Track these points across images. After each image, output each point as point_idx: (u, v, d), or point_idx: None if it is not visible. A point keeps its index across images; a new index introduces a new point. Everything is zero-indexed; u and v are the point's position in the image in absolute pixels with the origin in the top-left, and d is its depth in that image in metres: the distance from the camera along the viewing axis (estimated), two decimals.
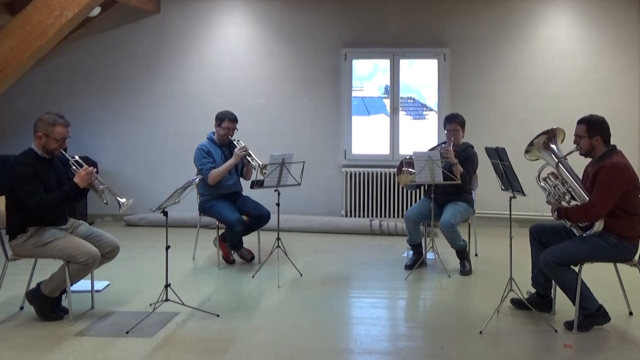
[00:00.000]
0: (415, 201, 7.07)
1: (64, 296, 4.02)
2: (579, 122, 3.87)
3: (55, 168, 3.98)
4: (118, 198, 3.95)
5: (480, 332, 3.75)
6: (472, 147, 5.36)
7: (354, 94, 7.41)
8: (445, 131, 5.33)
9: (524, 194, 3.92)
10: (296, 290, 4.69)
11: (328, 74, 7.36)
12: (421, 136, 7.46)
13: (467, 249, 5.22)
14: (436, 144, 5.89)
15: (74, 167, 3.95)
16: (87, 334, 3.73)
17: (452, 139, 5.24)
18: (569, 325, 3.80)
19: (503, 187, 4.14)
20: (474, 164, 5.31)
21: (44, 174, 3.83)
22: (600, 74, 7.12)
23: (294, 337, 3.71)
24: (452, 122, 5.28)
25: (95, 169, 3.95)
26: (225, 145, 5.42)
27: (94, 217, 7.37)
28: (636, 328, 3.88)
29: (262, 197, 5.56)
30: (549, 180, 3.95)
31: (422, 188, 6.20)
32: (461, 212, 5.15)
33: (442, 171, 4.87)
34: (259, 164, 5.19)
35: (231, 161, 5.26)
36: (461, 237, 5.12)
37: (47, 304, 3.94)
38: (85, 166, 3.92)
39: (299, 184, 5.06)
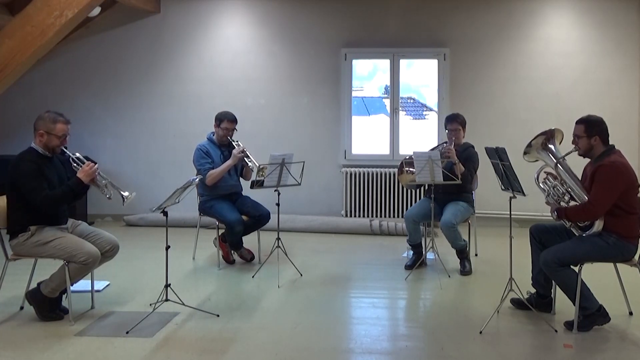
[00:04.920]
0: (416, 201, 7.07)
1: (64, 296, 4.02)
2: (577, 122, 3.88)
3: (56, 166, 4.02)
4: (121, 192, 3.97)
5: (480, 332, 3.75)
6: (473, 147, 5.36)
7: (354, 94, 7.41)
8: (447, 131, 5.34)
9: (524, 194, 3.92)
10: (296, 290, 4.69)
11: (328, 74, 7.37)
12: (421, 136, 7.46)
13: (467, 249, 5.22)
14: (436, 144, 5.89)
15: (74, 164, 3.97)
16: (87, 334, 3.73)
17: (453, 138, 5.25)
18: (569, 325, 3.80)
19: (503, 187, 4.14)
20: (475, 163, 5.31)
21: (46, 172, 3.86)
22: (600, 74, 7.12)
23: (294, 337, 3.71)
24: (453, 122, 5.29)
25: (96, 165, 3.97)
26: (225, 146, 5.42)
27: (94, 217, 7.37)
28: (636, 328, 3.88)
29: (262, 197, 5.56)
30: (548, 181, 3.95)
31: (422, 188, 6.20)
32: (462, 212, 5.15)
33: (442, 171, 4.88)
34: (257, 166, 5.17)
35: (229, 162, 5.26)
36: (462, 236, 5.12)
37: (47, 304, 3.94)
38: (88, 162, 3.96)
39: (299, 184, 5.06)
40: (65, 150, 3.96)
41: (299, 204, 7.18)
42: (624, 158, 3.78)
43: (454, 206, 5.15)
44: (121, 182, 7.15)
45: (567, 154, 3.86)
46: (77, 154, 4.04)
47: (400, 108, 7.33)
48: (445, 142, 5.34)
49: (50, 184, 3.86)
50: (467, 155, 5.26)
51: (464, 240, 5.17)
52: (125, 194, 3.97)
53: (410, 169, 5.17)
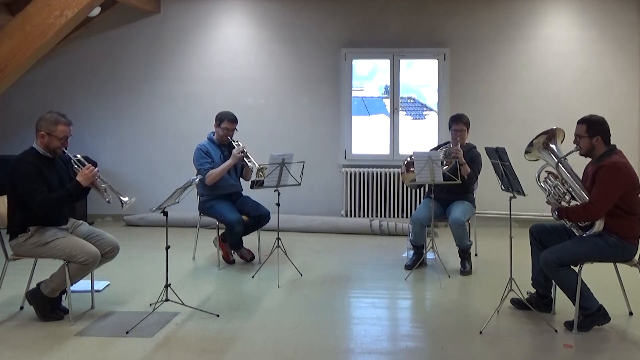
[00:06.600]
0: (415, 201, 7.08)
1: (64, 296, 4.02)
2: (579, 122, 3.87)
3: (57, 167, 4.00)
4: (121, 197, 3.97)
5: (480, 332, 3.75)
6: (475, 147, 5.36)
7: (354, 94, 7.41)
8: (451, 131, 5.32)
9: (524, 194, 3.92)
10: (296, 290, 4.69)
11: (328, 74, 7.36)
12: (421, 136, 7.46)
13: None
14: (437, 144, 5.87)
15: (75, 166, 3.96)
16: (87, 334, 3.73)
17: (458, 139, 5.24)
18: (569, 325, 3.80)
19: (503, 187, 4.14)
20: (479, 165, 5.32)
21: (46, 173, 3.85)
22: (600, 74, 7.12)
23: (294, 337, 3.71)
24: (459, 122, 5.28)
25: (97, 168, 3.96)
26: (225, 146, 5.41)
27: (94, 217, 7.37)
28: (636, 328, 3.88)
29: (262, 197, 5.56)
30: (548, 181, 3.95)
31: (423, 188, 6.19)
32: (468, 211, 5.20)
33: (442, 171, 4.88)
34: (257, 166, 5.16)
35: (229, 162, 5.25)
36: (469, 236, 5.12)
37: (47, 304, 3.94)
38: (88, 165, 3.93)
39: (299, 184, 5.05)
40: (65, 151, 3.94)
41: (299, 204, 7.17)
42: (626, 158, 3.78)
43: (461, 205, 5.16)
44: (121, 182, 7.20)
45: (568, 154, 3.86)
46: (78, 156, 4.03)
47: (400, 108, 7.33)
48: (448, 142, 5.33)
49: (50, 186, 3.85)
50: (471, 157, 5.26)
51: (470, 240, 5.17)
52: (125, 199, 3.96)
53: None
